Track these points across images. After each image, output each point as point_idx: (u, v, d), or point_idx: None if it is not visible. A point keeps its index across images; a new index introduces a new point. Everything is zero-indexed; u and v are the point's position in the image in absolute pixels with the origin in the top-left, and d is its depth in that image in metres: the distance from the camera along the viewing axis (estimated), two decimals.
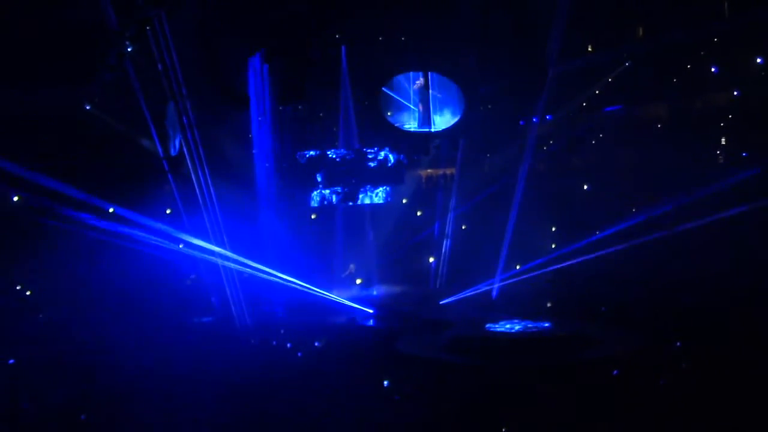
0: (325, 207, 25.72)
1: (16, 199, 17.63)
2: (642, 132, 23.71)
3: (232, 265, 20.45)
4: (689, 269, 19.70)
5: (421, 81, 25.72)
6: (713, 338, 14.80)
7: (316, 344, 17.38)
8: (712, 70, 22.35)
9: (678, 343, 15.10)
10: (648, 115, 24.34)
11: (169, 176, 20.11)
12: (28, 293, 18.92)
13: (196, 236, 20.06)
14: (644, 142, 23.23)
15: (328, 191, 25.50)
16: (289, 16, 22.88)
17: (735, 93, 22.28)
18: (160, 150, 19.94)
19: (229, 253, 20.33)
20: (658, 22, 22.37)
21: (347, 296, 22.52)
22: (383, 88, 25.44)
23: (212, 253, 20.19)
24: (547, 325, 18.05)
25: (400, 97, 25.87)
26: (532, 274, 22.27)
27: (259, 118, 24.67)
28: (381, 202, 25.63)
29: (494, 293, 22.67)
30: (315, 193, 25.50)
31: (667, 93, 23.63)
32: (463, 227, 25.49)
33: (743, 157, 22.03)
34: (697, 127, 22.67)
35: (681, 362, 13.98)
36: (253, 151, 24.80)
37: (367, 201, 25.57)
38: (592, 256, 21.01)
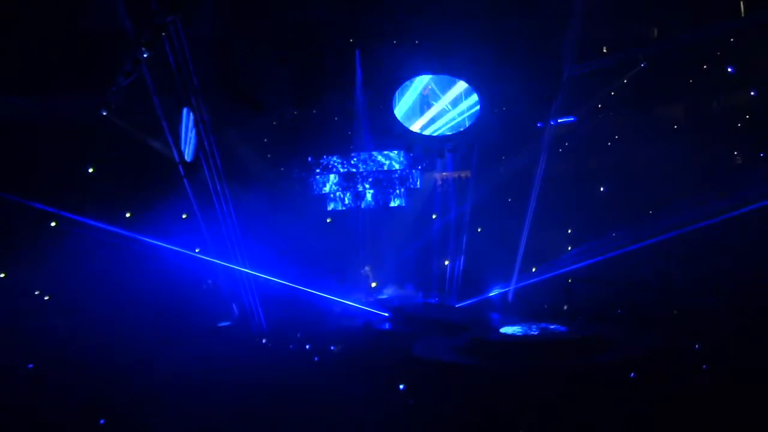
0: (340, 211, 25.76)
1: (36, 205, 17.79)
2: (658, 133, 23.53)
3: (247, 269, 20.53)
4: (707, 270, 19.55)
5: (430, 85, 25.80)
6: (733, 340, 14.68)
7: (332, 348, 17.41)
8: (729, 70, 22.17)
9: (697, 346, 14.99)
10: (664, 116, 24.18)
11: (185, 181, 20.21)
12: (47, 298, 19.07)
13: (213, 241, 20.17)
14: (661, 144, 23.06)
15: (343, 195, 25.57)
16: (303, 21, 23.00)
17: (752, 93, 22.10)
18: (175, 155, 20.05)
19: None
20: (674, 22, 22.22)
21: (362, 300, 22.52)
22: (398, 92, 25.50)
23: (229, 258, 20.28)
24: (563, 327, 17.97)
25: (415, 100, 25.94)
26: (548, 276, 22.19)
27: (274, 123, 24.79)
28: (396, 205, 25.65)
29: (510, 296, 22.60)
30: (330, 197, 25.56)
31: (683, 94, 23.47)
32: (479, 230, 25.42)
33: (761, 157, 21.86)
34: (714, 128, 22.51)
35: (700, 364, 13.87)
36: (268, 156, 24.89)
37: (381, 204, 25.61)
38: (609, 258, 20.89)
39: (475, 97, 25.39)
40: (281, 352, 17.56)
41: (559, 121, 24.20)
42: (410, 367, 15.59)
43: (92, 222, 18.34)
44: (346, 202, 25.78)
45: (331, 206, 25.80)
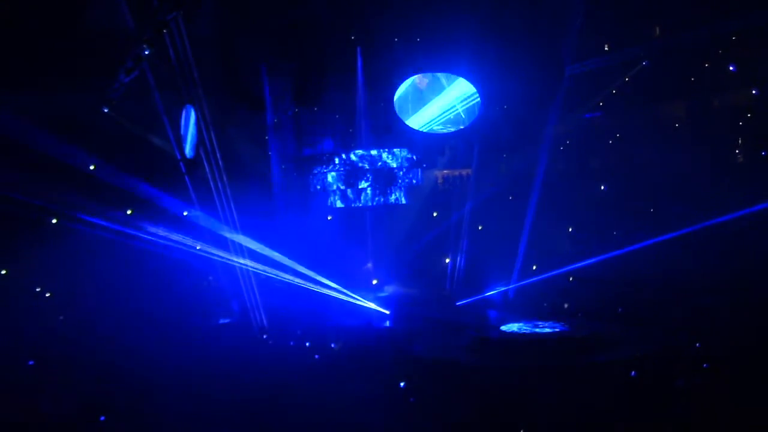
0: (341, 208, 25.74)
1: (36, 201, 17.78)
2: (660, 132, 23.51)
3: (247, 262, 20.51)
4: (708, 270, 19.52)
5: (425, 81, 25.79)
6: (733, 339, 14.68)
7: (332, 345, 17.42)
8: (731, 68, 22.14)
9: (698, 344, 15.00)
10: (666, 114, 24.15)
11: (186, 178, 20.20)
12: (48, 295, 19.08)
13: (213, 238, 20.17)
14: (662, 142, 23.03)
15: (344, 192, 25.55)
16: (304, 19, 22.97)
17: (754, 92, 22.06)
18: (176, 152, 20.04)
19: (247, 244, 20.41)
20: (676, 21, 22.17)
21: (363, 297, 22.53)
22: (398, 89, 25.47)
23: (229, 254, 20.29)
24: (564, 326, 17.98)
25: (416, 98, 25.92)
26: (548, 274, 22.19)
27: (275, 120, 24.76)
28: (397, 203, 25.64)
29: (511, 294, 22.61)
30: (331, 194, 25.55)
31: (685, 92, 23.43)
32: (480, 228, 25.41)
33: (762, 156, 21.82)
34: (715, 127, 22.48)
35: (701, 363, 13.88)
36: (269, 153, 24.88)
37: (382, 202, 25.60)
38: (610, 256, 20.87)
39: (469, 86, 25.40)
40: (281, 349, 17.58)
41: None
42: (411, 365, 15.60)
43: (93, 219, 18.34)
44: (347, 199, 25.74)
45: (330, 200, 25.75)
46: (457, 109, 25.87)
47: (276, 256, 21.14)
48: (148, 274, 19.18)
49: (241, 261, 20.48)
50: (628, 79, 23.70)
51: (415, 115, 25.91)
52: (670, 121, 24.08)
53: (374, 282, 25.11)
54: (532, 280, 22.52)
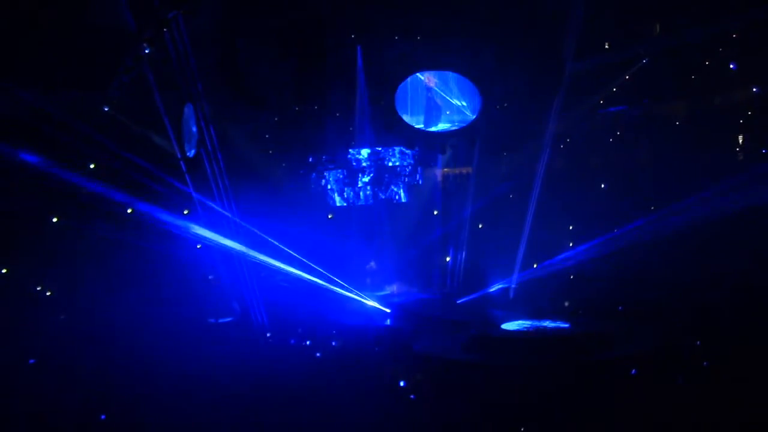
0: (341, 207, 25.75)
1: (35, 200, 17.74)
2: (660, 129, 23.49)
3: (249, 253, 20.51)
4: (708, 268, 19.54)
5: (432, 79, 25.79)
6: (733, 337, 14.68)
7: (333, 344, 17.43)
8: (731, 66, 22.10)
9: (698, 342, 15.00)
10: (666, 112, 24.11)
11: (187, 177, 20.20)
12: (48, 294, 19.09)
13: (214, 236, 20.16)
14: (663, 140, 23.03)
15: (344, 191, 25.56)
16: (305, 17, 22.97)
17: (754, 89, 22.03)
18: (177, 151, 20.03)
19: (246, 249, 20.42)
20: (677, 18, 22.15)
21: (364, 295, 22.55)
22: (399, 88, 25.45)
23: (230, 251, 20.29)
24: (564, 324, 17.99)
25: (417, 96, 25.92)
26: (549, 270, 22.20)
27: (275, 119, 24.77)
28: (398, 201, 25.64)
29: (511, 292, 22.61)
30: (331, 193, 25.56)
31: (685, 90, 23.39)
32: (480, 226, 25.41)
33: (763, 153, 21.81)
34: (716, 125, 22.44)
35: (701, 361, 13.88)
36: (270, 152, 24.88)
37: (383, 200, 25.61)
38: (610, 254, 20.87)
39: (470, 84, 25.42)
40: (282, 347, 17.59)
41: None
42: (411, 363, 15.62)
43: (93, 218, 18.33)
44: (348, 197, 25.74)
45: (330, 198, 25.75)
46: (458, 107, 25.96)
47: (276, 255, 21.13)
48: (149, 274, 19.18)
49: (242, 259, 20.48)
50: (630, 77, 23.67)
51: (415, 113, 25.93)
52: (671, 118, 24.03)
53: (370, 280, 25.11)
54: (532, 277, 22.53)
